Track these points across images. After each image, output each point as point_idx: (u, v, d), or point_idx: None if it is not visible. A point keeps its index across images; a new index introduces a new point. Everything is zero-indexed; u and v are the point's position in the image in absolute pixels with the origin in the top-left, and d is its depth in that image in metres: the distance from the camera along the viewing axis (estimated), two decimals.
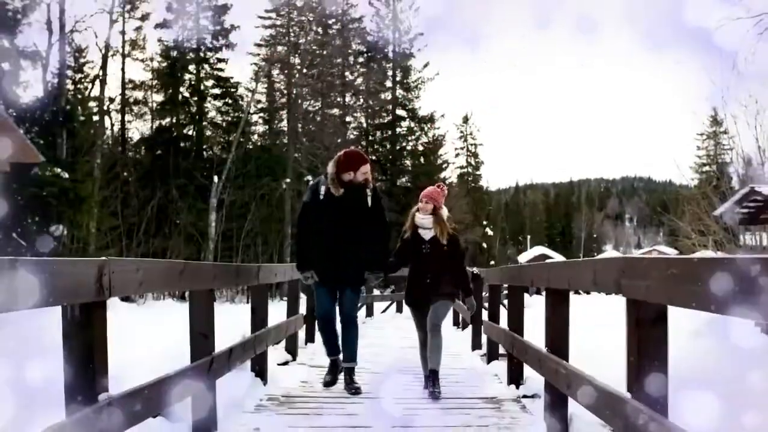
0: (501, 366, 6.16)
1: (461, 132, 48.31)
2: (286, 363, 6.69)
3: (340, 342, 5.45)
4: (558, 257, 55.78)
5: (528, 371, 5.17)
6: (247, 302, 21.75)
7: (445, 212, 5.43)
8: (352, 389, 5.25)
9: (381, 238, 5.33)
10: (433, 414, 4.64)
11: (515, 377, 5.47)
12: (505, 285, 7.63)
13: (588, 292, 24.33)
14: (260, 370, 5.44)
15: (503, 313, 7.02)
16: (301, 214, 5.38)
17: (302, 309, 7.84)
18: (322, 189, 5.19)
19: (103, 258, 2.43)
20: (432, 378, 5.24)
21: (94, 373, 2.40)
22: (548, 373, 3.84)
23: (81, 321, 2.36)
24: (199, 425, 3.83)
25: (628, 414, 2.45)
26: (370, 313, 13.23)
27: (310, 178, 25.08)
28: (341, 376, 5.44)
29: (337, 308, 5.43)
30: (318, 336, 6.29)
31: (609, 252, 70.67)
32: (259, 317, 5.53)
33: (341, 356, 5.44)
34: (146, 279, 2.88)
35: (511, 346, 5.32)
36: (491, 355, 6.94)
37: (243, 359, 4.75)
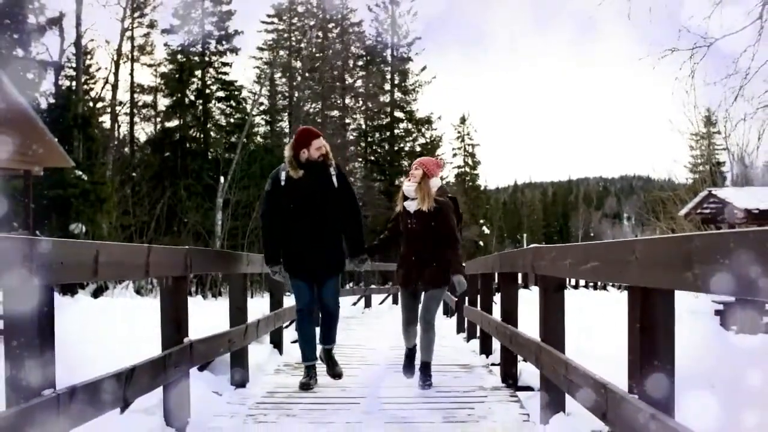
0: (478, 342, 7.32)
1: (458, 132, 49.07)
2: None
3: (318, 346, 5.27)
4: None
5: (496, 344, 6.32)
6: (252, 296, 22.99)
7: (435, 181, 4.94)
8: (335, 374, 5.22)
9: (356, 219, 4.97)
10: (417, 376, 5.81)
11: (486, 349, 6.65)
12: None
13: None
14: (277, 343, 6.66)
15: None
16: (263, 204, 4.95)
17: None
18: (283, 175, 4.82)
19: (186, 247, 3.61)
20: (423, 370, 5.18)
21: (180, 323, 3.58)
22: (500, 337, 5.03)
23: (172, 289, 3.54)
24: (236, 378, 5.04)
25: (539, 353, 3.62)
26: (368, 304, 14.35)
27: None
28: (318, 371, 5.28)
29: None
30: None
31: None
32: (276, 299, 6.73)
33: (318, 357, 5.27)
34: (207, 262, 4.07)
35: (480, 322, 6.50)
36: (471, 334, 8.12)
37: (266, 331, 5.97)
